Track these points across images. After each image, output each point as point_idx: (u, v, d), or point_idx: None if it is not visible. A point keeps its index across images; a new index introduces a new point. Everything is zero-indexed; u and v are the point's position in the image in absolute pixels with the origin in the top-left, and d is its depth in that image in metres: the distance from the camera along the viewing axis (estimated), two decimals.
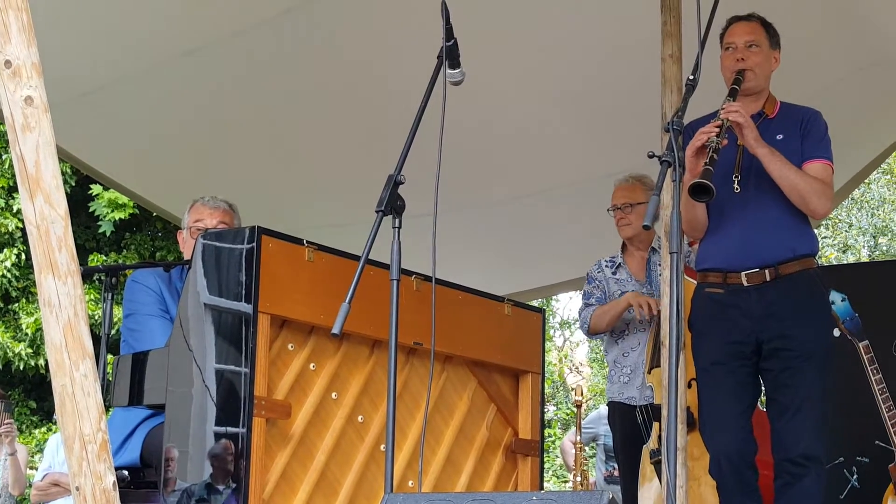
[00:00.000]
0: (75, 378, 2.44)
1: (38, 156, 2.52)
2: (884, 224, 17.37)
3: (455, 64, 3.77)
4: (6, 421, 6.10)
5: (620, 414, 5.75)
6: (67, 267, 2.49)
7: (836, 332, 5.80)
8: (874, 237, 17.39)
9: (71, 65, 5.69)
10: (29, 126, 2.53)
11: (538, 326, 4.98)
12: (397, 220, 3.65)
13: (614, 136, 5.91)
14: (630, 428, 5.67)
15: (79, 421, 2.44)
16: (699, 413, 4.40)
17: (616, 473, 7.03)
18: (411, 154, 3.68)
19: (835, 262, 15.35)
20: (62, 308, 2.46)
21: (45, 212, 2.49)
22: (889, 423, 5.77)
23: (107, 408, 4.33)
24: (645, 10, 4.38)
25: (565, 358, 17.13)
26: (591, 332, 5.91)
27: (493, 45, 5.31)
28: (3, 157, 11.27)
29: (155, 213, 8.38)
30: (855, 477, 6.11)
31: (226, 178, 6.35)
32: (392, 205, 3.63)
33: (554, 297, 18.64)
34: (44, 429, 11.26)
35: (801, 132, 4.31)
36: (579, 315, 6.01)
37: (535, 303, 8.59)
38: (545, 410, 5.35)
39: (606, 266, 5.84)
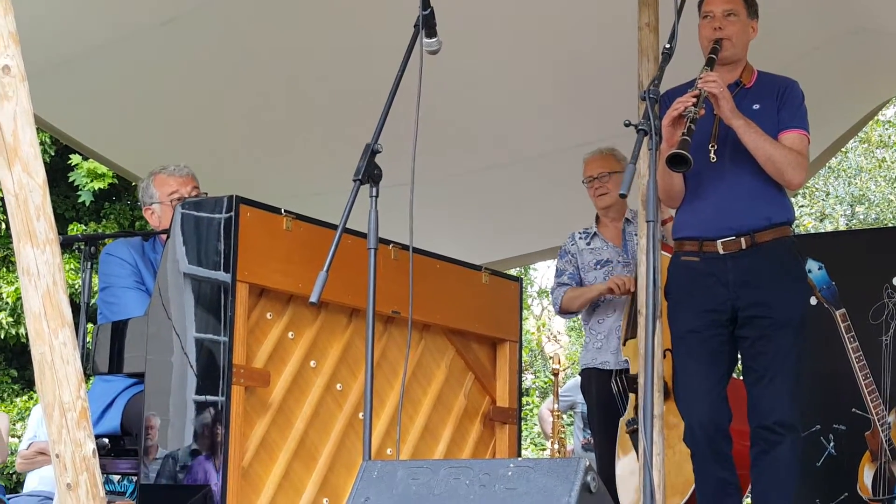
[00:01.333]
0: (54, 346, 2.45)
1: (15, 125, 2.51)
2: (861, 193, 17.40)
3: (432, 33, 3.76)
4: None
5: (595, 379, 5.78)
6: (46, 236, 2.49)
7: (813, 301, 5.85)
8: (851, 206, 17.42)
9: (48, 33, 5.65)
10: (6, 95, 2.52)
11: (515, 295, 4.99)
12: (374, 189, 3.65)
13: (590, 106, 5.92)
14: (604, 392, 5.70)
15: (58, 389, 2.44)
16: (673, 381, 4.43)
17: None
18: (388, 123, 3.68)
19: (812, 231, 15.38)
20: (41, 276, 2.46)
21: (23, 181, 2.49)
22: (865, 391, 5.82)
23: (87, 377, 4.34)
24: None
25: (543, 326, 17.14)
26: (561, 313, 5.95)
27: (468, 16, 5.29)
28: None
29: (134, 183, 8.33)
30: (832, 444, 6.15)
31: (204, 146, 6.34)
32: (369, 174, 3.62)
33: (532, 266, 18.66)
34: (25, 397, 11.24)
35: (778, 102, 4.32)
36: (551, 293, 6.03)
37: (513, 271, 8.59)
38: (523, 379, 5.37)
39: (580, 238, 5.86)
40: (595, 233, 5.83)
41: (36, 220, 2.48)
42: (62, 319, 2.45)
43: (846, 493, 6.03)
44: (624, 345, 5.56)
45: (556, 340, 9.21)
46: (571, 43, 5.82)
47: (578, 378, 7.44)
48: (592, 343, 5.82)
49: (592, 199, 5.76)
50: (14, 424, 9.13)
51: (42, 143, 10.28)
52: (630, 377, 5.43)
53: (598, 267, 5.74)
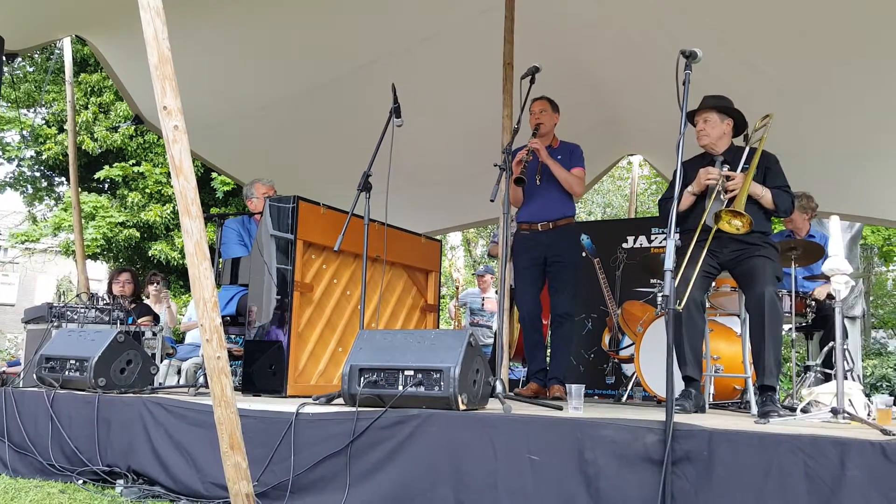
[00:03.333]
0: (200, 270, 2.39)
1: (181, 155, 2.43)
2: (608, 202, 17.64)
3: (398, 115, 3.71)
4: (164, 290, 5.99)
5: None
6: (197, 212, 2.42)
7: (584, 254, 5.89)
8: (604, 208, 17.63)
9: (200, 109, 5.53)
10: (177, 140, 2.43)
11: (437, 248, 4.99)
12: (368, 194, 3.61)
13: (482, 153, 5.86)
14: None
15: (202, 290, 2.38)
16: (515, 292, 4.45)
17: (477, 321, 7.11)
18: (376, 160, 3.64)
19: (584, 220, 15.55)
20: (193, 233, 2.39)
21: (184, 185, 2.41)
22: (607, 298, 5.89)
23: (218, 285, 4.29)
24: (496, 93, 4.34)
25: (451, 265, 17.17)
26: (489, 256, 5.97)
27: (419, 109, 5.24)
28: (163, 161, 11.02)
29: (243, 187, 8.19)
30: (590, 324, 6.25)
31: (282, 168, 6.20)
32: (365, 186, 3.59)
33: (447, 234, 18.67)
34: (187, 296, 11.03)
35: (570, 155, 4.33)
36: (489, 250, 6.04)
37: (438, 237, 8.56)
38: (441, 290, 5.38)
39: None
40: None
41: (191, 205, 2.40)
42: (204, 255, 2.38)
43: (596, 348, 6.13)
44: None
45: (458, 271, 9.23)
46: (471, 121, 5.77)
47: (469, 290, 7.41)
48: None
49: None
50: (181, 309, 8.94)
51: (196, 166, 10.11)
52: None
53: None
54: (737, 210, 3.23)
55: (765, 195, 3.39)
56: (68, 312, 4.25)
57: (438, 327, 5.15)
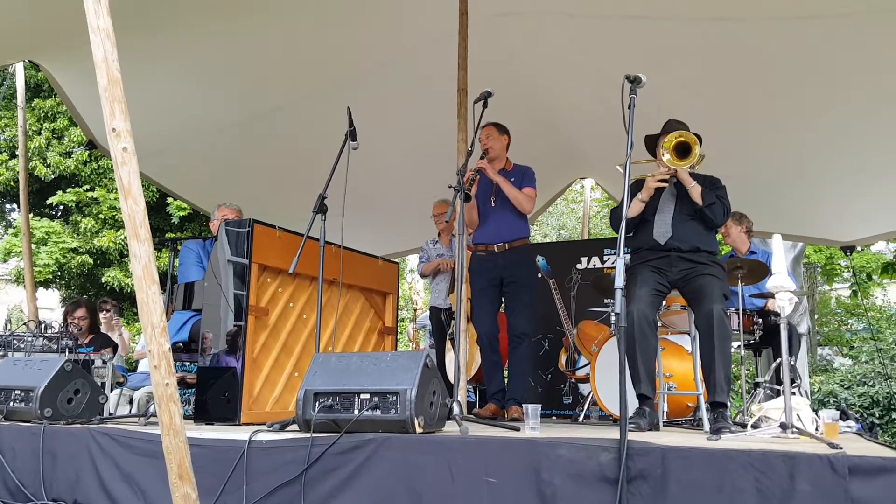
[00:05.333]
0: (148, 294, 2.30)
1: (130, 177, 2.36)
2: (563, 224, 17.83)
3: (354, 138, 3.68)
4: (116, 317, 5.80)
5: (435, 313, 5.75)
6: (145, 236, 2.34)
7: (539, 275, 5.90)
8: (559, 230, 17.80)
9: (153, 132, 5.41)
10: (126, 162, 2.36)
11: (395, 271, 4.94)
12: (323, 216, 3.57)
13: (433, 176, 5.85)
14: (438, 320, 5.67)
15: (150, 316, 2.30)
16: (472, 313, 4.41)
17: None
18: (332, 182, 3.60)
19: (539, 242, 15.69)
20: (141, 257, 2.31)
21: (133, 207, 2.34)
22: (563, 318, 5.89)
23: (169, 311, 4.16)
24: (450, 116, 4.34)
25: (411, 288, 17.11)
26: (421, 276, 5.92)
27: (375, 134, 5.22)
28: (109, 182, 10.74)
29: (202, 212, 8.01)
30: (546, 344, 6.24)
31: (239, 191, 6.06)
32: (321, 209, 3.55)
33: (406, 257, 18.59)
34: (139, 324, 10.79)
35: (521, 176, 4.33)
36: (417, 268, 6.00)
37: (397, 259, 8.50)
38: (399, 312, 5.32)
39: (430, 243, 5.81)
40: (437, 241, 5.79)
41: (140, 228, 2.32)
42: (152, 280, 2.30)
43: (553, 368, 6.12)
44: (447, 296, 5.54)
45: (417, 294, 9.19)
46: (427, 144, 5.77)
47: (428, 312, 7.37)
48: (435, 295, 5.79)
49: (436, 225, 5.73)
50: (135, 336, 8.71)
51: (151, 191, 9.97)
52: (450, 312, 5.41)
53: (438, 258, 5.70)
54: (679, 136, 3.27)
55: (696, 188, 3.44)
56: (14, 341, 4.07)
57: (396, 350, 5.07)
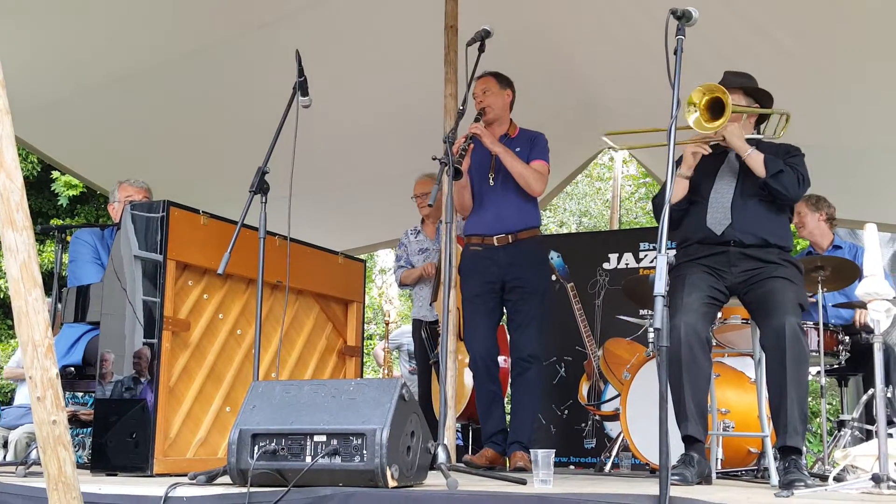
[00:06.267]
0: (28, 301, 2.29)
1: (2, 144, 2.34)
2: (585, 209, 17.95)
3: (305, 92, 3.68)
4: None
5: (417, 328, 5.78)
6: (23, 223, 2.33)
7: (553, 277, 5.94)
8: (579, 217, 17.92)
9: (40, 82, 5.38)
10: None
11: (361, 271, 4.95)
12: (264, 198, 3.59)
13: (417, 146, 5.86)
14: (423, 338, 5.70)
15: (31, 331, 2.29)
16: (463, 328, 4.45)
17: (415, 370, 7.08)
18: (276, 152, 3.61)
19: (554, 233, 15.76)
20: (19, 252, 2.30)
21: (6, 184, 2.32)
22: (584, 335, 5.94)
23: (60, 324, 4.16)
24: (435, 64, 4.35)
25: (382, 295, 17.14)
26: (400, 286, 5.94)
27: (333, 89, 5.20)
28: None
29: (98, 192, 8.00)
30: (563, 369, 6.28)
31: (149, 163, 6.06)
32: (261, 187, 3.58)
33: (375, 253, 18.62)
34: (15, 341, 10.85)
35: (530, 145, 4.37)
36: (394, 272, 6.01)
37: (363, 256, 8.51)
38: (366, 327, 5.34)
39: (411, 233, 5.84)
40: (419, 230, 5.81)
41: (16, 212, 2.31)
42: (34, 282, 2.29)
43: (571, 401, 6.16)
44: (431, 304, 5.57)
45: (390, 302, 9.24)
46: (404, 103, 5.78)
47: (403, 327, 7.40)
48: (417, 305, 5.81)
49: (419, 208, 5.74)
50: (9, 354, 8.79)
51: (31, 162, 9.92)
52: (436, 326, 5.45)
53: (421, 253, 5.72)
54: (709, 90, 3.24)
55: (755, 155, 3.38)
56: None
57: (362, 376, 5.09)
